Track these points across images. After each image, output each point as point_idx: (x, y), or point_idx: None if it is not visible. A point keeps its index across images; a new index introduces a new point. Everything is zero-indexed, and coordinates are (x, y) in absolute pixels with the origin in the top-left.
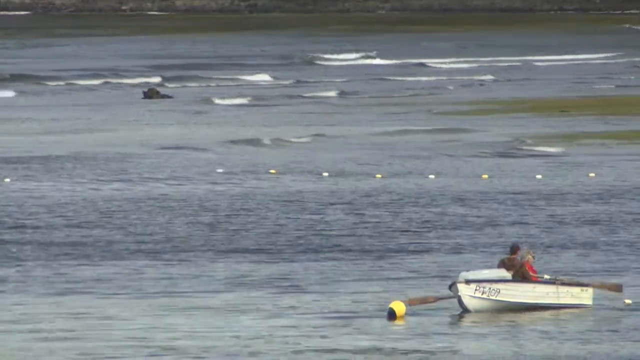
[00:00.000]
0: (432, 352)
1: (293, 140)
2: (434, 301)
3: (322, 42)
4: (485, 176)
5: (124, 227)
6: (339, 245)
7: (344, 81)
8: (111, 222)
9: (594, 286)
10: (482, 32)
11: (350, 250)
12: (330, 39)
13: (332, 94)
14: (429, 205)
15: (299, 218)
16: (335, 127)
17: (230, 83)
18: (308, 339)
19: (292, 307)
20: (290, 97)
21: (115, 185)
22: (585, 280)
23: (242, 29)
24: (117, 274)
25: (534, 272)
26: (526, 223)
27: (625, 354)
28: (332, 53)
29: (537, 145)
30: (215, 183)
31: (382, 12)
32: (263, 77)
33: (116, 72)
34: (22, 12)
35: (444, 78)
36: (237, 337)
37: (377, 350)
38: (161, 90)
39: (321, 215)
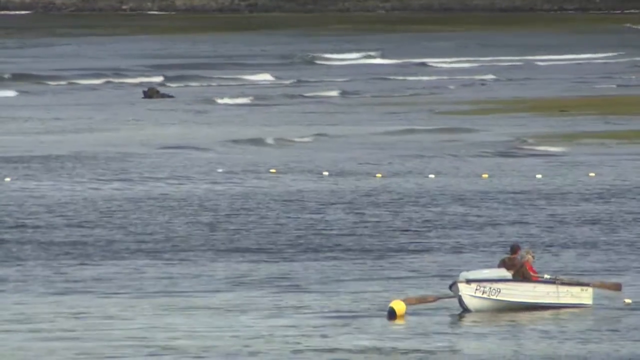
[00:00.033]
0: (432, 352)
1: (294, 139)
2: (433, 301)
3: (322, 42)
4: (486, 176)
5: (124, 227)
6: (339, 245)
7: (345, 81)
8: (111, 222)
9: (593, 285)
10: (482, 31)
11: (350, 250)
12: (330, 39)
13: (334, 93)
14: (429, 204)
15: (299, 217)
16: (337, 126)
17: (232, 83)
18: (308, 339)
19: (292, 307)
20: (292, 96)
21: (116, 184)
22: (585, 279)
23: (242, 29)
24: (117, 274)
25: (534, 272)
26: (526, 222)
27: (625, 354)
28: (332, 53)
29: (538, 144)
30: (215, 183)
31: (382, 11)
32: (265, 77)
33: (117, 72)
34: (23, 12)
35: (445, 78)
36: (237, 336)
37: (377, 349)
38: (162, 89)
39: (321, 215)
